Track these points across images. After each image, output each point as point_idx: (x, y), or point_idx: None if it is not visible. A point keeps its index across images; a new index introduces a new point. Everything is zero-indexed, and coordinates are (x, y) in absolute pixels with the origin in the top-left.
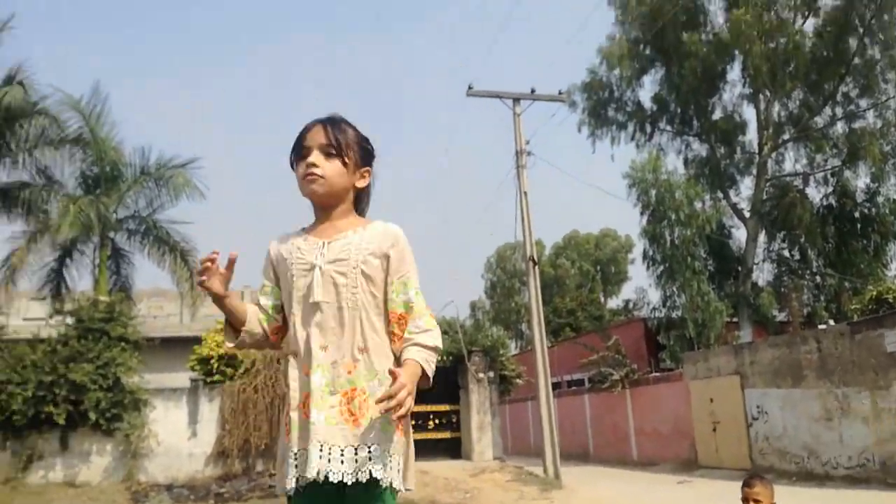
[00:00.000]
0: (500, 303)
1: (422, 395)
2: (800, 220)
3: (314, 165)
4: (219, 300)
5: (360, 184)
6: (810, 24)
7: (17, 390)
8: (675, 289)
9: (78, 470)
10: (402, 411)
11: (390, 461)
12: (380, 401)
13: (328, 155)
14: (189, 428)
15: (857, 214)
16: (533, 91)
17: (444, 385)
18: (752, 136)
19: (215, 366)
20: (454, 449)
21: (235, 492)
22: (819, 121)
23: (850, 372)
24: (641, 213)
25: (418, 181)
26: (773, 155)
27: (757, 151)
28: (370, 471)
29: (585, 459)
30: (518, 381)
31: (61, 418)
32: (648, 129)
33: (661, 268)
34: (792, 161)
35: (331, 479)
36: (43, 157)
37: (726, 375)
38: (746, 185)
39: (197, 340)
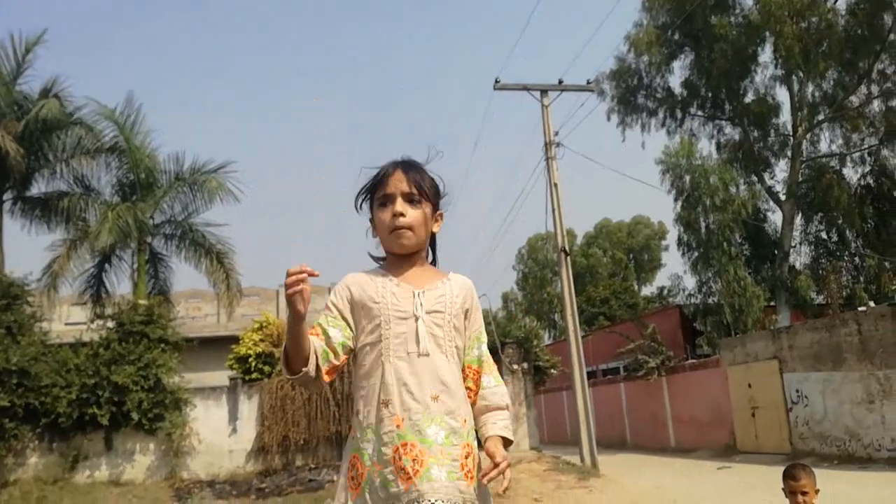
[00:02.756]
0: (533, 294)
1: None
2: (837, 202)
3: (401, 215)
4: (297, 321)
5: (436, 229)
6: (843, 2)
7: (62, 393)
8: (710, 274)
9: (122, 469)
10: (506, 483)
11: None
12: (487, 476)
13: (411, 202)
14: (229, 425)
15: (895, 193)
16: (560, 82)
17: None
18: (785, 117)
19: (253, 364)
20: None
21: (276, 486)
22: (854, 100)
23: (891, 354)
24: (675, 199)
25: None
26: (808, 136)
27: (791, 133)
28: None
29: (622, 447)
30: (553, 371)
31: (105, 419)
32: (679, 114)
33: (696, 254)
34: (827, 142)
35: None
36: (80, 167)
37: (764, 360)
38: (781, 168)
39: (234, 340)
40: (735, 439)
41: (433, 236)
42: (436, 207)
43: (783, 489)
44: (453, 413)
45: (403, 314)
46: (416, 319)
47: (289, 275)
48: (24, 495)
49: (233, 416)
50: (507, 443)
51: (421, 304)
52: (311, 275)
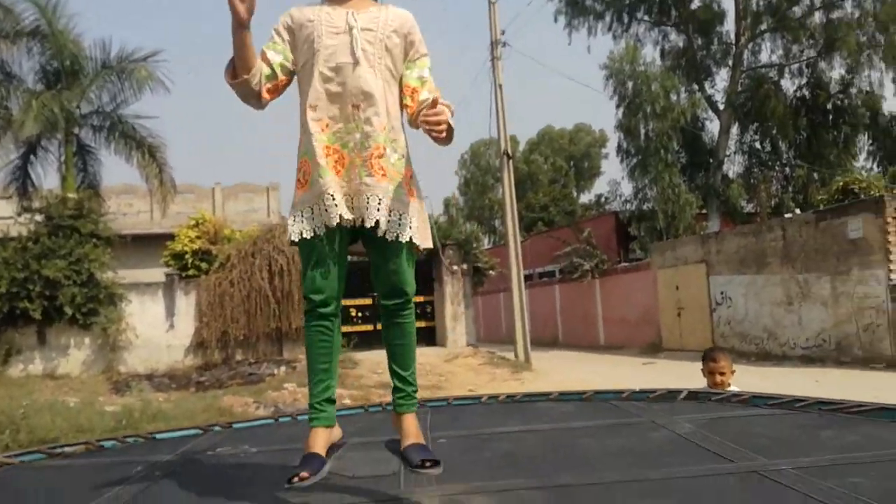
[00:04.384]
0: (474, 199)
1: None
2: (773, 112)
3: None
4: (238, 27)
5: None
6: None
7: None
8: (647, 181)
9: (57, 363)
10: (443, 126)
11: (407, 218)
12: (427, 108)
13: None
14: (166, 321)
15: (829, 106)
16: None
17: (418, 277)
18: (729, 26)
19: (189, 261)
20: (429, 337)
21: (216, 380)
22: (797, 10)
23: (812, 258)
24: (618, 106)
25: None
26: (750, 46)
27: (734, 42)
28: (397, 225)
29: (554, 346)
30: (491, 272)
31: (37, 314)
32: (626, 19)
33: (635, 160)
34: (768, 52)
35: (375, 227)
36: None
37: (693, 264)
38: (722, 77)
39: (169, 237)
40: (661, 338)
41: None
42: None
43: (702, 370)
44: (370, 120)
45: (335, 29)
46: (349, 31)
47: None
48: None
49: (170, 312)
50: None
51: (355, 21)
52: None
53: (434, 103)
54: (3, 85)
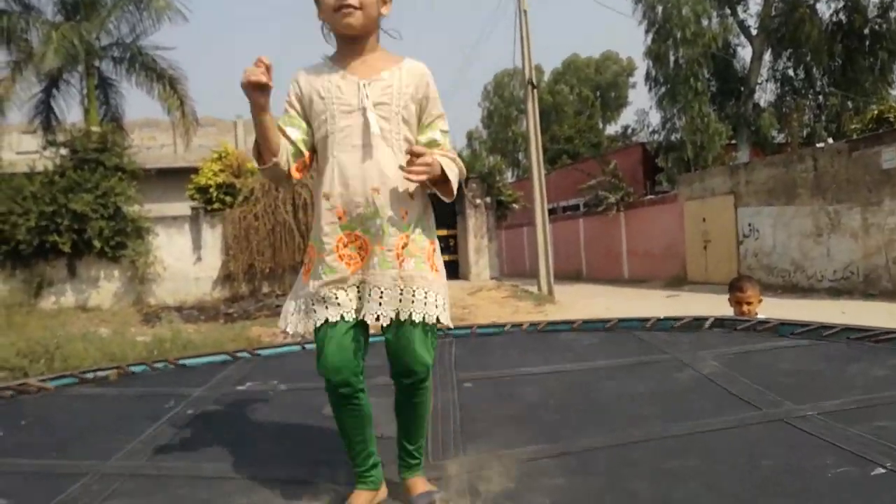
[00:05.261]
0: (498, 132)
1: None
2: (807, 38)
3: None
4: (258, 112)
5: (385, 10)
6: None
7: (20, 221)
8: (676, 111)
9: (88, 295)
10: (421, 171)
11: (428, 296)
12: (408, 156)
13: None
14: (193, 254)
15: (866, 31)
16: None
17: (442, 211)
18: None
19: (214, 195)
20: (453, 271)
21: (243, 311)
22: None
23: (843, 189)
24: (646, 32)
25: (410, 5)
26: None
27: None
28: (411, 311)
29: (578, 279)
30: (515, 206)
31: (66, 246)
32: None
33: (664, 89)
34: None
35: (380, 321)
36: None
37: (721, 195)
38: (755, 1)
39: (193, 171)
40: (686, 271)
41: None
42: None
43: (729, 300)
44: (393, 205)
45: (348, 108)
46: (362, 112)
47: (245, 71)
48: None
49: (196, 245)
50: (446, 187)
51: (367, 96)
52: (265, 65)
53: (419, 153)
54: (21, 17)
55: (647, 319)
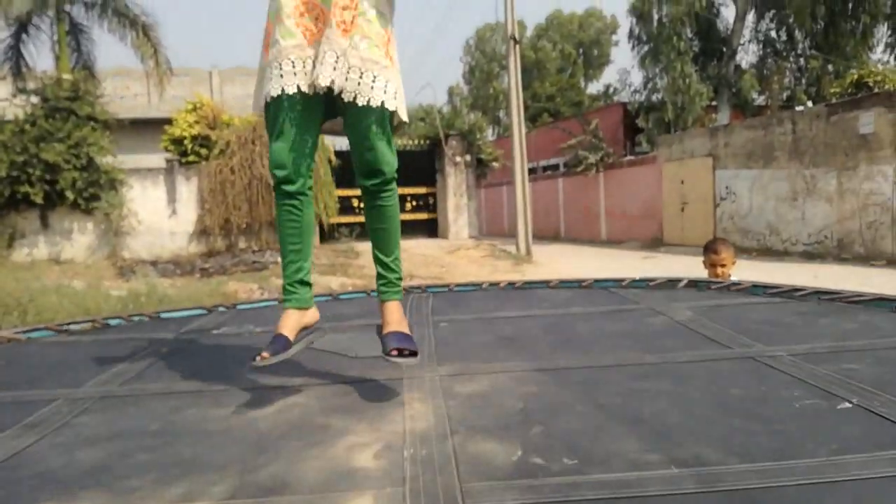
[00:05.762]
0: (479, 88)
1: (398, 179)
2: None
3: None
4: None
5: None
6: None
7: None
8: (658, 70)
9: (61, 248)
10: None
11: (381, 81)
12: None
13: None
14: (168, 207)
15: None
16: None
17: (421, 168)
18: None
19: (189, 146)
20: (431, 229)
21: (220, 266)
22: None
23: (820, 153)
24: None
25: None
26: None
27: None
28: (370, 97)
29: (556, 239)
30: (494, 164)
31: (38, 198)
32: None
33: (647, 48)
34: None
35: (333, 89)
36: None
37: (699, 157)
38: None
39: (167, 122)
40: (663, 233)
41: None
42: None
43: (703, 262)
44: None
45: None
46: None
47: None
48: None
49: (171, 198)
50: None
51: None
52: None
53: None
54: None
55: (622, 280)
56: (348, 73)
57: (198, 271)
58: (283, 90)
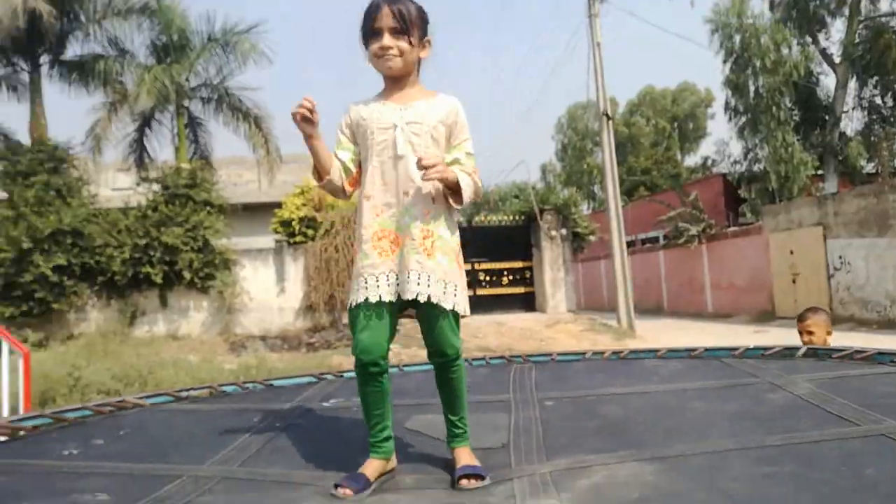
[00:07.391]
0: (572, 164)
1: (494, 254)
2: (894, 64)
3: (388, 48)
4: (307, 139)
5: (424, 54)
6: None
7: (115, 253)
8: (757, 140)
9: (178, 324)
10: (435, 171)
11: (455, 289)
12: (419, 163)
13: (397, 35)
14: (277, 285)
15: None
16: None
17: (517, 243)
18: None
19: (296, 228)
20: (528, 303)
21: (325, 341)
22: None
23: None
24: (724, 61)
25: (482, 44)
26: None
27: None
28: (454, 303)
29: (659, 313)
30: (591, 237)
31: (158, 278)
32: None
33: (744, 119)
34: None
35: (418, 299)
36: (112, 28)
37: (808, 227)
38: (837, 28)
39: (276, 206)
40: (774, 305)
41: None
42: (423, 34)
43: (798, 332)
44: (418, 205)
45: (385, 125)
46: (395, 128)
47: (294, 105)
48: (90, 346)
49: (280, 277)
50: (457, 196)
51: (401, 117)
52: (311, 104)
53: (429, 163)
54: (117, 60)
55: (734, 348)
56: (434, 284)
57: (304, 345)
58: (366, 299)
